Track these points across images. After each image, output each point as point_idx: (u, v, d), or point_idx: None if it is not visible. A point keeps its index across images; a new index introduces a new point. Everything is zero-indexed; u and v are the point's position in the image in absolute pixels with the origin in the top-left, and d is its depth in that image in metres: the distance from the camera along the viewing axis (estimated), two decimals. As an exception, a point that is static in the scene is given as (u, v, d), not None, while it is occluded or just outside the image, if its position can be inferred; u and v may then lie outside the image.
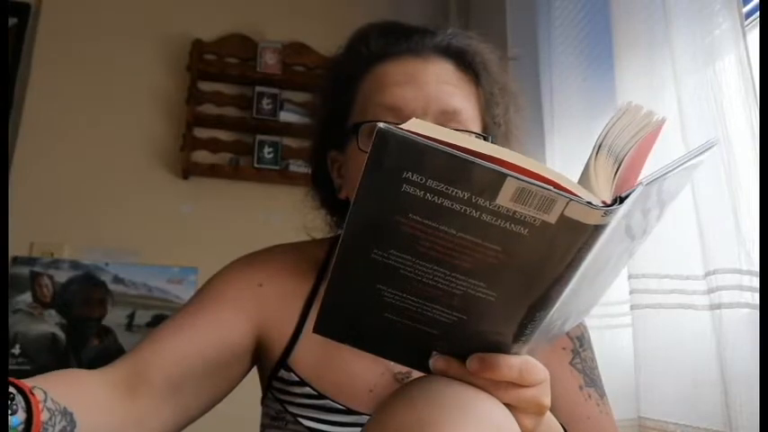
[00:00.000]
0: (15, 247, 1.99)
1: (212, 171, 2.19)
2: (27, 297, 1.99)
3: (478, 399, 0.47)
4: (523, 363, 0.48)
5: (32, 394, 0.50)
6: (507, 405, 0.48)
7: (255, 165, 2.22)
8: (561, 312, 0.46)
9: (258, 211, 2.17)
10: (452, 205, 0.37)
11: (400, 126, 0.36)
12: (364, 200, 0.39)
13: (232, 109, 2.29)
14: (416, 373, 0.53)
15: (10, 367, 1.84)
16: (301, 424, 0.73)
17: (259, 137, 2.25)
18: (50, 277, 2.02)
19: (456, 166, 0.36)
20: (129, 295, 2.07)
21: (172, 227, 2.15)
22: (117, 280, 2.07)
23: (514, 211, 0.37)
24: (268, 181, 2.21)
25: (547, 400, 0.50)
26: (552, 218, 0.36)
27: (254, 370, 0.81)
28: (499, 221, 0.37)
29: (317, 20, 2.32)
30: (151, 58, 2.28)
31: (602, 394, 0.74)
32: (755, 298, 0.82)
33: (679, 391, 0.92)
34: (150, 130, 2.22)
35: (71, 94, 2.17)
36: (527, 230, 0.37)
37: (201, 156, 2.21)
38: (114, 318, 2.04)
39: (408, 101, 0.71)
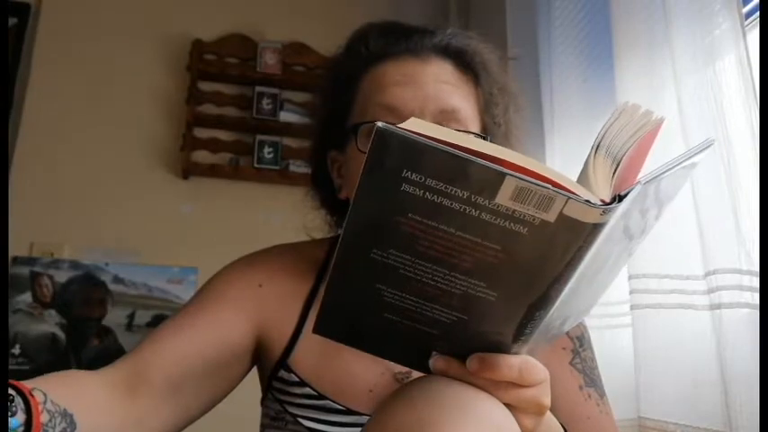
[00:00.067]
0: (15, 247, 1.99)
1: (212, 171, 2.19)
2: (27, 297, 1.99)
3: (478, 399, 0.47)
4: (523, 362, 0.48)
5: (32, 396, 0.50)
6: (507, 405, 0.48)
7: (255, 165, 2.22)
8: (561, 312, 0.46)
9: (258, 211, 2.17)
10: (452, 204, 0.37)
11: (399, 125, 0.36)
12: (364, 199, 0.39)
13: (232, 109, 2.29)
14: (416, 373, 0.53)
15: (10, 367, 1.84)
16: (301, 424, 0.73)
17: (259, 137, 2.25)
18: (50, 277, 2.02)
19: (455, 165, 0.36)
20: (129, 295, 2.07)
21: (172, 227, 2.15)
22: (117, 280, 2.07)
23: (514, 210, 0.37)
24: (268, 181, 2.22)
25: (547, 400, 0.50)
26: (551, 216, 0.36)
27: (254, 370, 0.81)
28: (498, 220, 0.37)
29: (317, 20, 2.32)
30: (151, 58, 2.28)
31: (602, 394, 0.74)
32: (755, 298, 0.82)
33: (679, 391, 0.92)
34: (150, 130, 2.22)
35: (71, 94, 2.17)
36: (526, 229, 0.37)
37: (201, 156, 2.21)
38: (114, 318, 2.04)
39: (407, 101, 0.71)
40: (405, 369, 0.72)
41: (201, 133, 2.22)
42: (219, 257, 0.87)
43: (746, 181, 0.85)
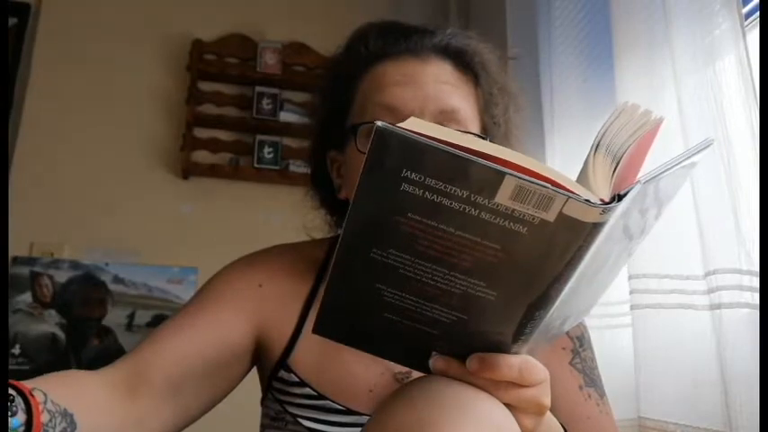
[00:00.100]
0: (15, 247, 1.99)
1: (212, 171, 2.19)
2: (27, 297, 1.99)
3: (478, 399, 0.47)
4: (523, 362, 0.47)
5: (32, 396, 0.50)
6: (507, 405, 0.48)
7: (255, 165, 2.22)
8: (561, 311, 0.46)
9: (258, 211, 2.17)
10: (451, 204, 0.37)
11: (399, 125, 0.36)
12: (363, 199, 0.39)
13: (232, 109, 2.29)
14: (416, 373, 0.53)
15: (10, 367, 1.84)
16: (301, 424, 0.73)
17: (259, 137, 2.25)
18: (50, 277, 2.02)
19: (455, 165, 0.36)
20: (129, 295, 2.07)
21: (172, 227, 2.15)
22: (117, 280, 2.07)
23: (513, 210, 0.37)
24: (268, 181, 2.22)
25: (547, 400, 0.50)
26: (551, 216, 0.36)
27: (254, 370, 0.81)
28: (498, 220, 0.37)
29: (317, 20, 2.32)
30: (151, 58, 2.28)
31: (602, 394, 0.74)
32: (755, 298, 0.82)
33: (679, 391, 0.92)
34: (150, 130, 2.22)
35: (71, 94, 2.17)
36: (526, 229, 0.37)
37: (201, 156, 2.22)
38: (114, 318, 2.04)
39: (407, 101, 0.71)
40: (405, 369, 0.72)
41: (201, 133, 2.22)
42: (219, 257, 0.87)
43: (746, 181, 0.85)
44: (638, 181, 0.39)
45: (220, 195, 2.21)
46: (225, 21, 2.33)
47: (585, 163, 0.41)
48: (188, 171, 2.17)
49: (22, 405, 0.49)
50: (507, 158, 0.36)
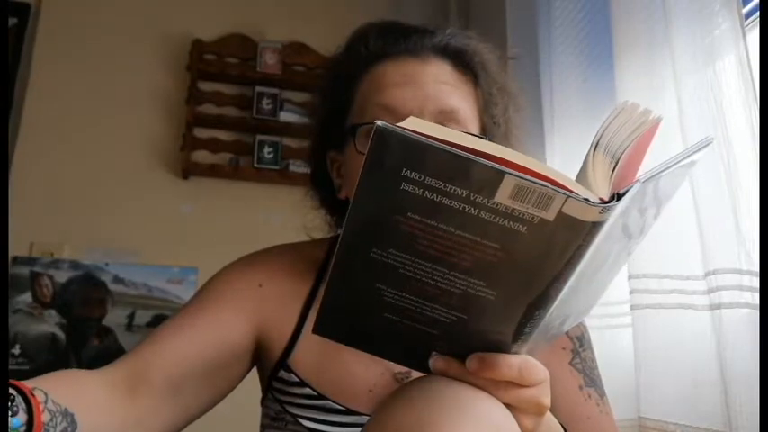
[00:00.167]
0: (15, 247, 1.99)
1: (212, 171, 2.19)
2: (27, 297, 1.99)
3: (478, 398, 0.47)
4: (523, 362, 0.47)
5: (33, 396, 0.50)
6: (507, 405, 0.48)
7: (255, 165, 2.22)
8: (560, 311, 0.46)
9: (258, 211, 2.17)
10: (451, 203, 0.37)
11: (398, 124, 0.36)
12: (363, 199, 0.39)
13: (232, 109, 2.29)
14: (416, 373, 0.53)
15: (10, 367, 1.84)
16: (301, 424, 0.73)
17: (259, 137, 2.25)
18: (50, 277, 2.02)
19: (455, 164, 0.36)
20: (129, 295, 2.07)
21: (172, 227, 2.15)
22: (117, 280, 2.07)
23: (513, 209, 0.37)
24: (268, 181, 2.22)
25: (547, 400, 0.50)
26: (550, 215, 0.36)
27: (254, 370, 0.81)
28: (498, 219, 0.37)
29: (317, 20, 2.32)
30: (151, 58, 2.28)
31: (602, 394, 0.74)
32: (755, 298, 0.82)
33: (679, 391, 0.92)
34: (150, 130, 2.22)
35: (71, 94, 2.17)
36: (525, 228, 0.37)
37: (201, 156, 2.22)
38: (114, 318, 2.04)
39: (406, 101, 0.71)
40: (404, 369, 0.72)
41: (201, 133, 2.22)
42: (219, 257, 0.87)
43: (746, 181, 0.85)
44: (638, 180, 0.39)
45: (220, 195, 2.21)
46: (225, 21, 2.33)
47: (585, 162, 0.41)
48: (188, 171, 2.17)
49: (23, 405, 0.49)
50: (507, 158, 0.36)
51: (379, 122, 0.36)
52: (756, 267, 0.82)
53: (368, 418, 0.52)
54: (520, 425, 0.49)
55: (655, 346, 0.97)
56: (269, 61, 2.29)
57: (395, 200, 0.38)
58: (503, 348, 0.47)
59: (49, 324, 1.98)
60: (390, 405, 0.48)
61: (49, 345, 1.96)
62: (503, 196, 0.36)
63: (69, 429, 0.54)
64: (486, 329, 0.46)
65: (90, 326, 2.02)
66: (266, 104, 2.27)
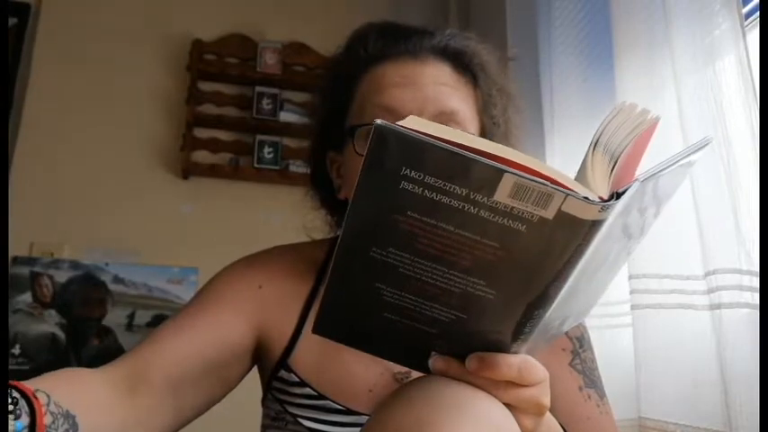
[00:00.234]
0: (15, 247, 1.99)
1: (212, 171, 2.19)
2: (27, 297, 1.99)
3: (477, 398, 0.47)
4: (523, 362, 0.47)
5: (36, 398, 0.50)
6: (507, 405, 0.48)
7: (255, 165, 2.22)
8: (560, 311, 0.46)
9: (258, 211, 2.17)
10: (450, 202, 0.37)
11: (398, 123, 0.36)
12: (363, 198, 0.39)
13: (232, 109, 2.29)
14: (416, 373, 0.53)
15: (10, 367, 1.84)
16: (301, 424, 0.73)
17: (259, 137, 2.25)
18: (50, 277, 2.02)
19: (454, 163, 0.36)
20: (129, 295, 2.07)
21: (172, 227, 2.15)
22: (117, 280, 2.07)
23: (512, 207, 0.37)
24: (268, 181, 2.22)
25: (546, 400, 0.50)
26: (550, 214, 0.36)
27: (254, 370, 0.81)
28: (497, 218, 0.37)
29: (317, 20, 2.32)
30: (151, 58, 2.28)
31: (602, 395, 0.74)
32: (755, 298, 0.82)
33: (679, 391, 0.92)
34: (150, 130, 2.22)
35: (71, 94, 2.17)
36: (525, 227, 0.37)
37: (201, 156, 2.22)
38: (114, 318, 2.04)
39: (405, 102, 0.70)
40: (404, 369, 0.72)
41: (201, 133, 2.22)
42: (219, 257, 0.87)
43: (746, 181, 0.85)
44: (637, 179, 0.39)
45: (220, 195, 2.21)
46: (225, 21, 2.33)
47: (584, 161, 0.41)
48: (188, 171, 2.17)
49: (26, 408, 0.49)
50: (506, 156, 0.36)
51: (378, 121, 0.36)
52: (756, 267, 0.82)
53: (368, 418, 0.52)
54: (519, 425, 0.49)
55: (655, 346, 0.97)
56: (269, 61, 2.29)
57: (394, 198, 0.38)
58: (502, 348, 0.47)
59: (49, 324, 1.98)
60: (390, 405, 0.48)
61: (49, 345, 1.96)
62: (502, 195, 0.36)
63: (71, 431, 0.54)
64: (486, 329, 0.46)
65: (90, 326, 2.02)
66: (266, 104, 2.27)
